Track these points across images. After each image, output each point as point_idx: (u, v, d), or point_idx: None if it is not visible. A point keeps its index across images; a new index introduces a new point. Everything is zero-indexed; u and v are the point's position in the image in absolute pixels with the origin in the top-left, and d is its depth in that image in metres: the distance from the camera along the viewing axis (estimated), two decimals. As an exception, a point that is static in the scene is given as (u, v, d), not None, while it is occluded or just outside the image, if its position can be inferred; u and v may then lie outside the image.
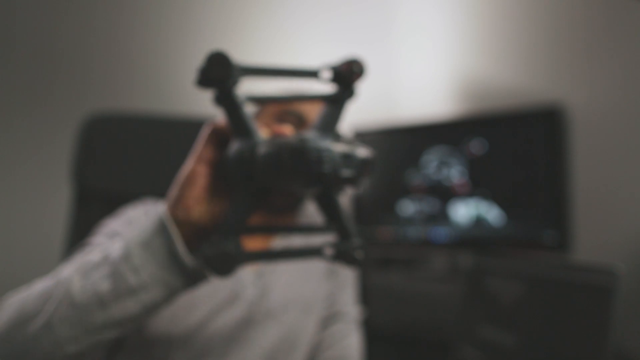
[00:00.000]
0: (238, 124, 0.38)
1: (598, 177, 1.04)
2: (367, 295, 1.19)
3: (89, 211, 0.83)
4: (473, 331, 0.90)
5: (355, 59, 0.39)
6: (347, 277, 0.78)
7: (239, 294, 0.63)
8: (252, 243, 0.70)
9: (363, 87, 1.43)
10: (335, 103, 0.40)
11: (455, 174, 1.16)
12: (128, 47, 1.29)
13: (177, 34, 1.31)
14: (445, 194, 1.17)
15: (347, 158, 0.35)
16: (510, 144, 1.09)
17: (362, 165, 0.36)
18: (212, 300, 0.62)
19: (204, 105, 1.20)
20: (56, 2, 1.26)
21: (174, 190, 0.41)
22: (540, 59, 1.15)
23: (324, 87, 0.43)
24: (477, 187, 1.13)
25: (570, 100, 1.07)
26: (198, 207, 0.39)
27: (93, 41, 1.28)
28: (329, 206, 0.39)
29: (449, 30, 1.34)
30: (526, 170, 1.06)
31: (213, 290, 0.62)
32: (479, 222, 1.11)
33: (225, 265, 0.35)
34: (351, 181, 0.36)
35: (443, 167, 1.17)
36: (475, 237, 1.12)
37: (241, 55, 1.30)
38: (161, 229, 0.39)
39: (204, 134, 0.41)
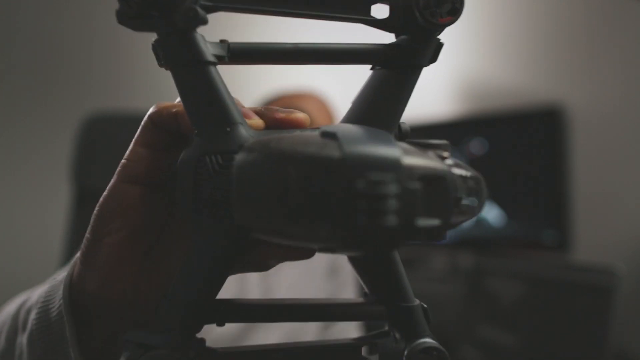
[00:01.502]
0: (202, 104, 0.20)
1: (598, 177, 1.04)
2: (368, 294, 1.19)
3: (88, 211, 0.83)
4: (473, 331, 0.90)
5: None
6: (348, 277, 0.78)
7: (244, 295, 0.63)
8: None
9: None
10: (400, 69, 0.21)
11: (455, 174, 1.16)
12: (128, 47, 1.29)
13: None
14: (445, 194, 1.17)
15: (435, 187, 0.17)
16: (510, 144, 1.09)
17: (464, 200, 0.19)
18: None
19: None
20: (56, 2, 1.26)
21: (86, 234, 0.23)
22: (541, 59, 1.15)
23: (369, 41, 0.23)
24: (477, 187, 1.13)
25: (570, 100, 1.07)
26: (122, 268, 0.23)
27: (93, 41, 1.28)
28: (377, 270, 0.22)
29: (449, 29, 1.34)
30: (526, 170, 1.06)
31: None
32: (479, 222, 1.11)
33: None
34: (438, 232, 0.18)
35: (443, 167, 1.17)
36: (475, 237, 1.12)
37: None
38: (59, 316, 0.24)
39: (140, 129, 0.23)
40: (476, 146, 1.13)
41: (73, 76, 1.26)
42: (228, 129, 0.19)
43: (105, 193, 0.23)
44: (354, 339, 0.24)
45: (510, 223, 1.08)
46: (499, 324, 0.86)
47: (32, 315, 0.26)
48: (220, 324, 0.21)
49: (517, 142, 1.08)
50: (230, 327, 0.58)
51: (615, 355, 0.71)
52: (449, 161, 0.19)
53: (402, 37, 0.22)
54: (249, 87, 1.15)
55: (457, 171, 0.19)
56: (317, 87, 0.93)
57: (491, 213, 1.10)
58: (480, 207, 0.20)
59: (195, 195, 0.19)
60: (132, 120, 0.99)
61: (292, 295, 0.67)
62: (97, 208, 0.23)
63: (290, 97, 0.84)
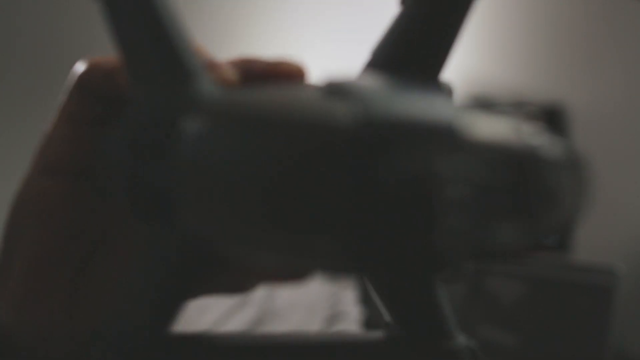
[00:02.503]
0: (142, 43, 0.13)
1: (598, 177, 1.04)
2: (368, 295, 1.19)
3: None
4: (473, 331, 0.90)
5: None
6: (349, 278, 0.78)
7: (248, 296, 0.64)
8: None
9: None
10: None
11: (455, 174, 1.16)
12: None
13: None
14: (445, 194, 1.17)
15: (518, 176, 0.11)
16: (510, 144, 1.09)
17: (564, 196, 0.12)
18: (222, 304, 0.62)
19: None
20: (56, 2, 1.26)
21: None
22: (541, 59, 1.15)
23: None
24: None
25: (571, 101, 1.07)
26: (41, 295, 0.16)
27: (93, 41, 1.28)
28: (408, 295, 0.15)
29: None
30: (526, 170, 1.06)
31: (218, 299, 0.63)
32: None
33: None
34: (520, 246, 0.12)
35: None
36: (475, 237, 1.12)
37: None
38: None
39: (65, 95, 0.16)
40: (476, 146, 1.13)
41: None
42: (180, 81, 0.12)
43: (18, 189, 0.16)
44: None
45: (510, 223, 1.08)
46: (499, 324, 0.86)
47: None
48: None
49: (517, 142, 1.08)
50: (238, 325, 0.58)
51: (615, 355, 0.71)
52: (537, 132, 0.12)
53: None
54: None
55: (553, 149, 0.12)
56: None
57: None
58: (582, 201, 0.13)
59: (133, 188, 0.12)
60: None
61: (294, 294, 0.67)
62: (9, 210, 0.16)
63: None
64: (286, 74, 0.15)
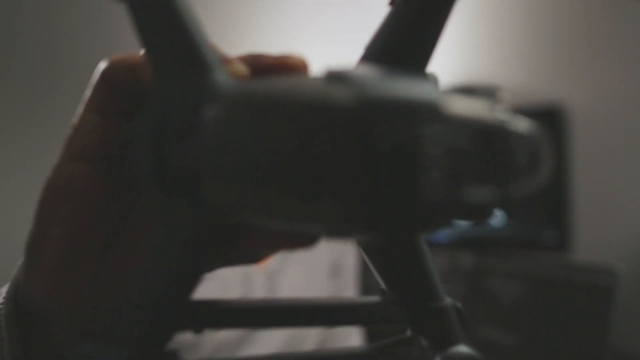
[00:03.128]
0: (165, 43, 0.15)
1: (598, 177, 1.04)
2: (368, 295, 1.19)
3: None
4: (473, 331, 0.90)
5: None
6: (350, 277, 0.78)
7: (249, 295, 0.64)
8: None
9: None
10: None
11: (455, 174, 1.16)
12: (128, 47, 1.29)
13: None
14: (445, 194, 1.17)
15: (488, 145, 0.13)
16: (510, 144, 1.09)
17: (526, 162, 0.14)
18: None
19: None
20: (56, 2, 1.26)
21: (30, 230, 0.18)
22: (541, 59, 1.15)
23: None
24: (477, 187, 1.13)
25: (571, 101, 1.07)
26: (75, 269, 0.18)
27: (93, 41, 1.28)
28: (399, 261, 0.17)
29: (449, 30, 1.34)
30: (526, 170, 1.06)
31: (223, 291, 0.62)
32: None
33: None
34: (489, 208, 0.14)
35: (443, 167, 1.17)
36: (475, 237, 1.12)
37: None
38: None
39: (91, 87, 0.18)
40: (476, 146, 1.13)
41: (73, 75, 1.27)
42: (199, 76, 0.14)
43: (49, 175, 0.18)
44: (369, 347, 0.19)
45: (510, 223, 1.08)
46: (499, 324, 0.86)
47: None
48: (197, 330, 0.16)
49: (517, 142, 1.08)
50: (225, 333, 0.58)
51: (615, 355, 0.71)
52: (506, 111, 0.14)
53: None
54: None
55: (519, 124, 0.14)
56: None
57: (491, 213, 1.10)
58: (544, 173, 0.15)
59: (158, 167, 0.14)
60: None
61: (295, 294, 0.67)
62: (40, 194, 0.18)
63: None
64: (290, 67, 0.16)
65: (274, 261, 0.68)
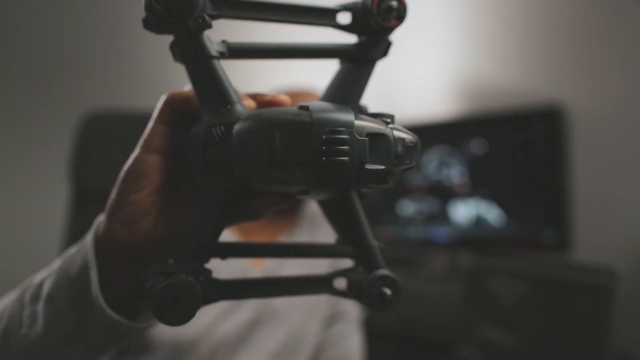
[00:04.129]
0: (208, 88, 0.26)
1: (598, 177, 1.04)
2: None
3: (87, 210, 0.83)
4: (473, 331, 0.90)
5: None
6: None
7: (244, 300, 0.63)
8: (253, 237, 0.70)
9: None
10: (360, 62, 0.27)
11: (455, 174, 1.15)
12: (127, 47, 1.29)
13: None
14: (445, 194, 1.16)
15: (379, 142, 0.24)
16: (510, 144, 1.09)
17: (402, 153, 0.24)
18: (220, 303, 0.61)
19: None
20: (56, 2, 1.26)
21: (112, 194, 0.29)
22: (541, 59, 1.15)
23: (341, 39, 0.29)
24: (477, 187, 1.12)
25: (570, 100, 1.07)
26: (145, 219, 0.28)
27: (92, 40, 1.28)
28: (342, 215, 0.28)
29: (449, 30, 1.34)
30: (526, 170, 1.06)
31: None
32: (479, 222, 1.11)
33: (180, 309, 0.23)
34: (382, 177, 0.24)
35: (443, 167, 1.17)
36: (475, 237, 1.12)
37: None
38: (82, 268, 0.29)
39: (158, 108, 0.29)
40: (476, 146, 1.13)
41: (72, 75, 1.26)
42: (228, 107, 0.26)
43: (129, 162, 0.28)
44: (328, 274, 0.29)
45: (510, 223, 1.08)
46: (499, 324, 0.86)
47: (49, 282, 0.30)
48: (223, 258, 0.27)
49: (517, 142, 1.08)
50: (234, 326, 0.58)
51: (615, 355, 0.71)
52: (391, 125, 0.25)
53: (362, 38, 0.28)
54: (253, 84, 1.15)
55: (397, 133, 0.25)
56: (315, 84, 0.92)
57: (491, 213, 1.10)
58: (416, 161, 0.26)
59: (203, 158, 0.25)
60: (130, 118, 0.98)
61: (296, 303, 0.67)
62: (122, 174, 0.28)
63: (290, 94, 0.85)
64: (279, 102, 0.28)
65: (271, 260, 0.68)
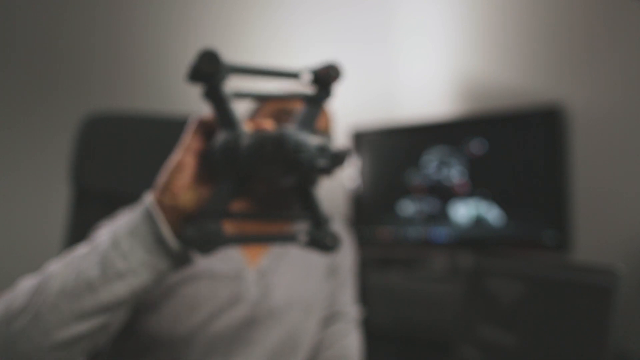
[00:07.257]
0: (224, 117, 0.41)
1: (598, 177, 1.04)
2: (366, 295, 1.19)
3: (88, 211, 0.83)
4: (473, 331, 0.90)
5: (333, 63, 0.43)
6: (347, 277, 0.78)
7: (242, 294, 0.63)
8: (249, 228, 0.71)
9: (363, 87, 1.42)
10: (314, 103, 0.44)
11: (455, 174, 1.15)
12: (127, 47, 1.29)
13: (176, 33, 1.31)
14: (445, 194, 1.16)
15: (322, 150, 0.38)
16: (510, 144, 1.09)
17: (336, 157, 0.39)
18: (214, 301, 0.61)
19: (202, 104, 1.20)
20: (56, 2, 1.26)
21: (162, 178, 0.44)
22: (541, 58, 1.15)
23: (306, 88, 0.45)
24: (477, 187, 1.12)
25: (571, 100, 1.07)
26: (185, 193, 0.42)
27: (92, 41, 1.28)
28: (305, 195, 0.43)
29: (449, 30, 1.34)
30: (526, 170, 1.06)
31: (215, 290, 0.62)
32: (479, 222, 1.11)
33: (207, 245, 0.38)
34: (325, 171, 0.39)
35: (443, 167, 1.17)
36: (475, 237, 1.12)
37: (239, 56, 1.29)
38: (148, 215, 0.42)
39: (192, 126, 0.44)
40: (476, 146, 1.13)
41: (72, 77, 1.26)
42: (235, 128, 0.41)
43: (174, 159, 0.43)
44: (295, 232, 0.43)
45: (510, 223, 1.08)
46: (499, 324, 0.86)
47: (117, 230, 0.43)
48: (226, 220, 0.42)
49: (517, 142, 1.08)
50: (229, 324, 0.58)
51: (615, 355, 0.71)
52: (334, 141, 0.37)
53: (315, 87, 0.45)
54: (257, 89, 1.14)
55: (337, 144, 0.31)
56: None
57: (491, 213, 1.10)
58: (341, 161, 0.40)
59: (223, 159, 0.40)
60: (130, 120, 0.98)
61: (290, 294, 0.67)
62: (169, 167, 0.43)
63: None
64: (266, 126, 0.43)
65: (266, 260, 0.68)
